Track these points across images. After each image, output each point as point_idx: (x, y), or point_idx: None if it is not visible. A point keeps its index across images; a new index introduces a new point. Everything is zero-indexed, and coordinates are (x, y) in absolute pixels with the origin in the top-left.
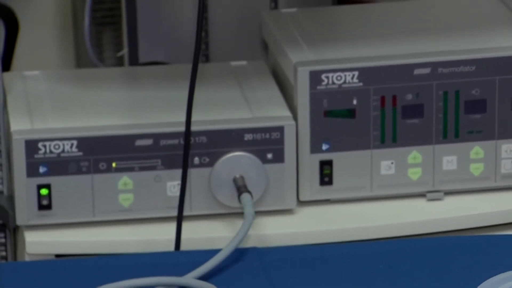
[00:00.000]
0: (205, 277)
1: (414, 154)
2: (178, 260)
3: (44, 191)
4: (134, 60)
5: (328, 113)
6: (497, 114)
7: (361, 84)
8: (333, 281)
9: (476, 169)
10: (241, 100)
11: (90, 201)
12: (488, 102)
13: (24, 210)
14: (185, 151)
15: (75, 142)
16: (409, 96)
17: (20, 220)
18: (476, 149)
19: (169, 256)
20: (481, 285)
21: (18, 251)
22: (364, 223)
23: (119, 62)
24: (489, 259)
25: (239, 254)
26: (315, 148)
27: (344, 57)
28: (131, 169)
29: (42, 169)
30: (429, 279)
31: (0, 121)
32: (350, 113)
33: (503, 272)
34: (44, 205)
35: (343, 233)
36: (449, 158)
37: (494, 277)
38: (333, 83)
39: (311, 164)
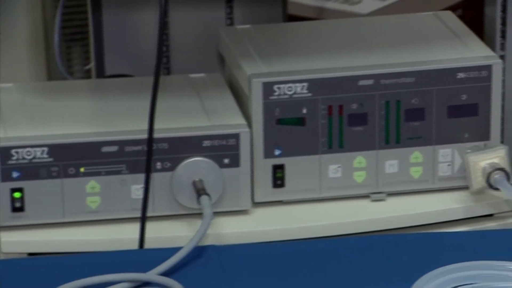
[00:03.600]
0: (167, 273)
1: (359, 159)
2: (142, 257)
3: (17, 195)
4: (100, 73)
5: (280, 121)
6: (434, 121)
7: (310, 94)
8: (284, 276)
9: (416, 172)
10: (200, 109)
11: (60, 204)
12: (426, 111)
13: None
14: (148, 156)
15: (46, 149)
16: (354, 105)
17: None
18: (416, 154)
19: (133, 254)
20: (421, 278)
21: None
22: (314, 222)
23: (87, 75)
24: (428, 254)
25: (199, 252)
26: (268, 153)
27: (295, 69)
28: (98, 174)
29: (15, 174)
30: (373, 273)
31: None
32: (300, 121)
33: (441, 266)
34: (17, 207)
35: (294, 231)
36: (391, 162)
37: (432, 271)
38: (285, 93)
39: (264, 168)
